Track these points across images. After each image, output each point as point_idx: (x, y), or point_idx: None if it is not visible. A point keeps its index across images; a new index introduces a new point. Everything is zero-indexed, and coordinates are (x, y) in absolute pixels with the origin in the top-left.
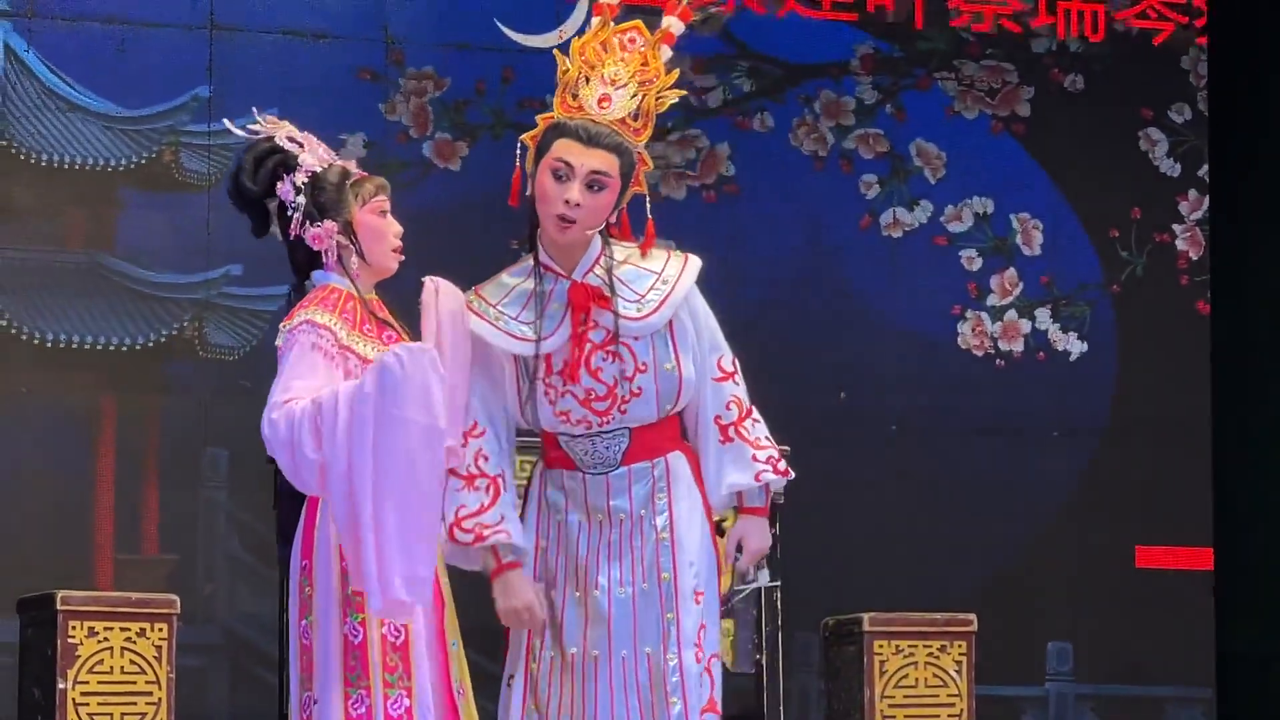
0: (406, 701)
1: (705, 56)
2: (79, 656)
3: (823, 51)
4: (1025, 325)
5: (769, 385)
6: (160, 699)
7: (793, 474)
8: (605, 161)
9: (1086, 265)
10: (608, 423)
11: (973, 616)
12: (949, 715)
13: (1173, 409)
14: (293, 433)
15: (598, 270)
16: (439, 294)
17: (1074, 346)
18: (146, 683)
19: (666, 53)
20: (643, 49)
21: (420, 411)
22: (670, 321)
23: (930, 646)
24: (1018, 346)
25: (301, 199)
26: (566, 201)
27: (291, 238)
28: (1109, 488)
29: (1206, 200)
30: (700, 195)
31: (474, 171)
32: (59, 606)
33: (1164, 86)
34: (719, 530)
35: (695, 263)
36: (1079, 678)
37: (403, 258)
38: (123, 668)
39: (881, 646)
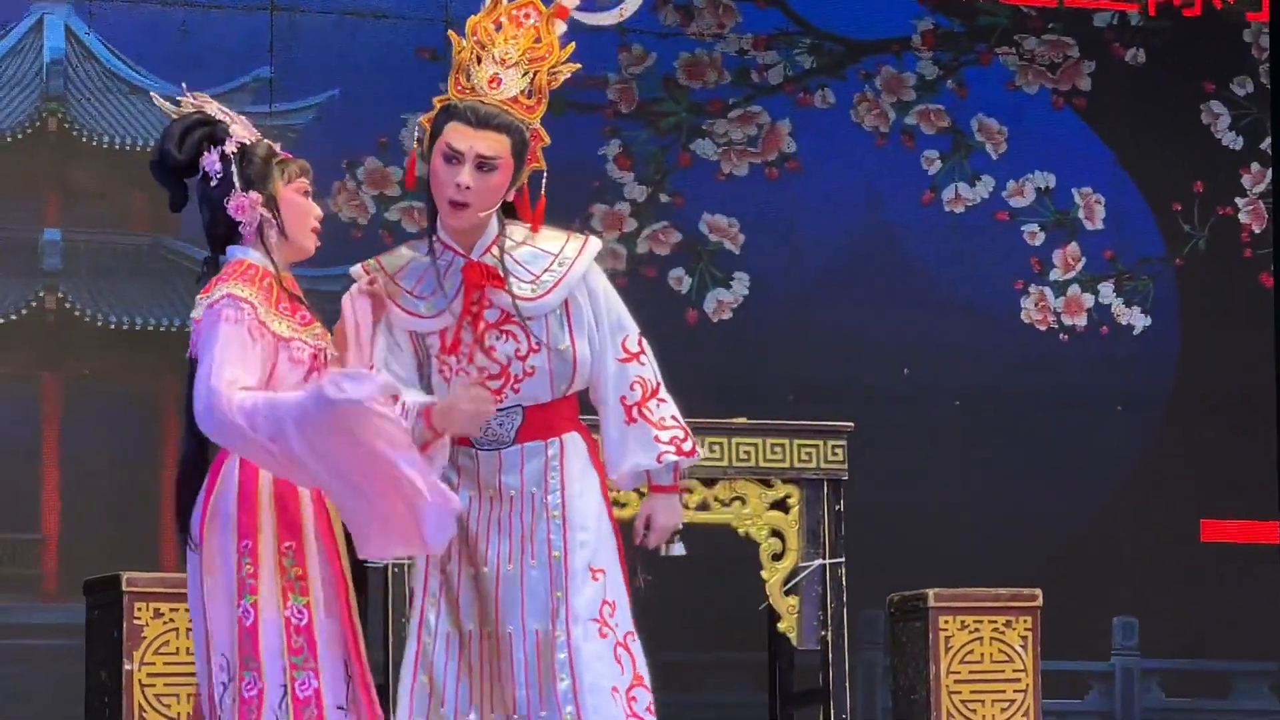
0: (315, 682)
1: (766, 33)
2: (145, 638)
3: (883, 27)
4: (1088, 299)
5: (832, 362)
6: None
7: (700, 454)
8: (494, 143)
9: (1149, 239)
10: (501, 400)
11: (1038, 591)
12: (1015, 690)
13: (1237, 382)
14: (256, 432)
15: (494, 251)
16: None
17: (1137, 320)
18: None
19: (561, 27)
20: (536, 25)
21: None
22: (566, 302)
23: (995, 622)
24: (1081, 321)
25: (229, 168)
26: (458, 185)
27: (212, 205)
28: (1173, 461)
29: (1269, 173)
30: (762, 172)
31: None
32: (124, 588)
33: (1225, 59)
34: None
35: (594, 244)
36: (1145, 652)
37: (319, 243)
38: (188, 649)
39: (947, 622)
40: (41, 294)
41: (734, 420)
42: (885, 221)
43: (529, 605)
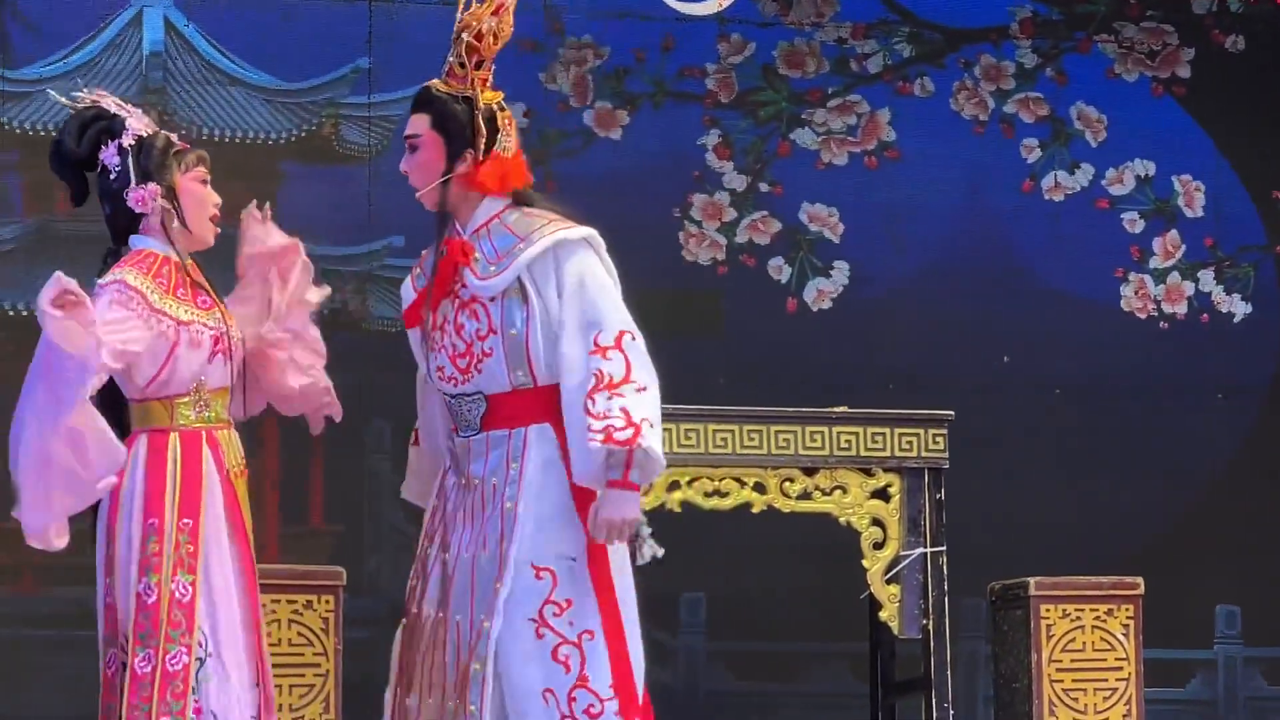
0: (185, 658)
1: (865, 22)
2: None
3: (982, 16)
4: (1188, 287)
5: (932, 350)
6: (328, 670)
7: (645, 445)
8: (413, 123)
9: (1249, 226)
10: (467, 382)
11: (1140, 580)
12: (1117, 679)
13: None
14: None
15: (481, 230)
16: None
17: (1238, 308)
18: (314, 654)
19: None
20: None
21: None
22: (525, 289)
23: (1097, 610)
24: (1181, 309)
25: (127, 161)
26: (405, 173)
27: (112, 198)
28: (1274, 449)
29: None
30: (862, 161)
31: (635, 140)
32: None
33: None
34: None
35: (563, 234)
36: (1248, 641)
37: (218, 230)
38: (290, 640)
39: (1048, 610)
40: None
41: (835, 409)
42: (985, 210)
43: (478, 594)
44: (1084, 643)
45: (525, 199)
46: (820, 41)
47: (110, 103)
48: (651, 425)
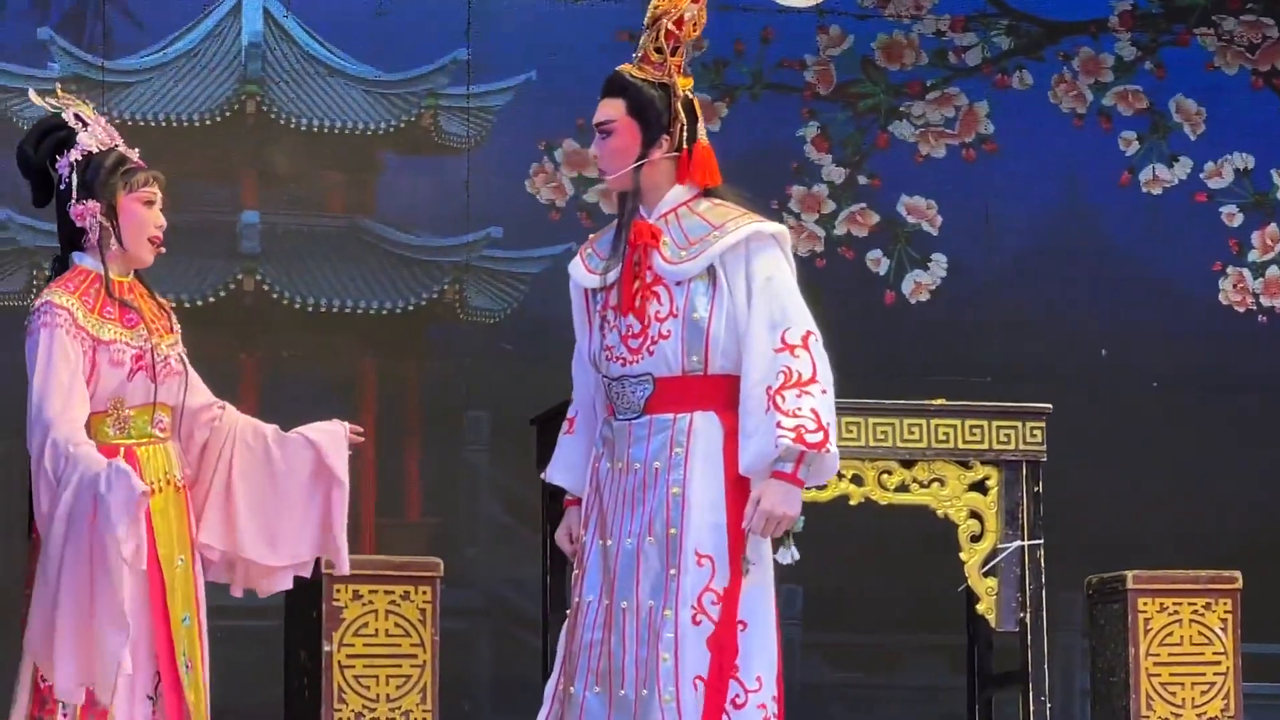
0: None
1: (964, 15)
2: (344, 620)
3: (1081, 8)
4: None
5: (1029, 343)
6: (425, 661)
7: (831, 450)
8: (607, 108)
9: None
10: (636, 363)
11: (1238, 574)
12: (1215, 673)
13: None
14: (46, 476)
15: (668, 216)
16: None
17: None
18: (411, 645)
19: None
20: None
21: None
22: (715, 276)
23: (1195, 604)
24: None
25: (73, 175)
26: (593, 156)
27: (60, 210)
28: None
29: None
30: (959, 153)
31: (733, 131)
32: (324, 570)
33: None
34: None
35: (758, 226)
36: None
37: (162, 250)
38: (387, 631)
39: (1146, 604)
40: (240, 276)
41: (932, 402)
42: (1082, 203)
43: (644, 582)
44: (1182, 637)
45: (711, 188)
46: (919, 34)
47: (71, 114)
48: (833, 429)
